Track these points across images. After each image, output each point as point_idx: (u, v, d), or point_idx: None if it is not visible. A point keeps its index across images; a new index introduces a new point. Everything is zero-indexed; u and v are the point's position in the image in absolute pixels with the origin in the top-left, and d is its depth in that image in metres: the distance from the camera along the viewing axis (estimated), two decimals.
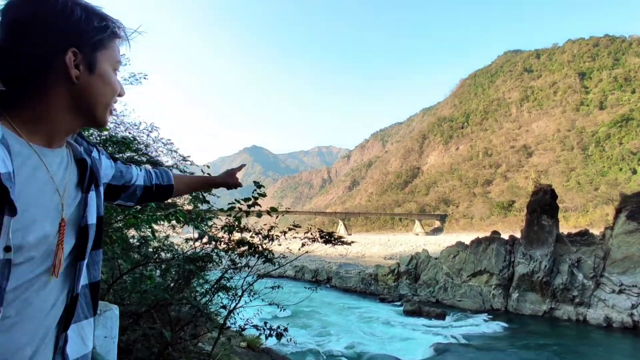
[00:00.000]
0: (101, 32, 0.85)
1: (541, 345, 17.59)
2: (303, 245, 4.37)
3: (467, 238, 32.60)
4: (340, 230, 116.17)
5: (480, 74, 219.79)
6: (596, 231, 26.81)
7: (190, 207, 4.84)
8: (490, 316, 22.75)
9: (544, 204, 25.44)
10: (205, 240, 3.66)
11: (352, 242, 5.04)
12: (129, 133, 8.48)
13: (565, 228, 30.65)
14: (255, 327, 4.09)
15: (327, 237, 4.43)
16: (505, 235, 28.38)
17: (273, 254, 4.03)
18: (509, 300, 24.26)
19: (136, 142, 7.84)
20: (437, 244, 59.63)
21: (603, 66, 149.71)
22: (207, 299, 3.83)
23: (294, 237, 4.33)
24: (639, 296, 20.15)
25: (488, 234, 29.02)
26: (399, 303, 26.54)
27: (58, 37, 0.79)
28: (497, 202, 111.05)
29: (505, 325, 20.88)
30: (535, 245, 24.47)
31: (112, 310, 1.66)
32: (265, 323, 4.12)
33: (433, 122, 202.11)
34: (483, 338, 18.67)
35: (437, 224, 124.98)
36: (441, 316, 22.50)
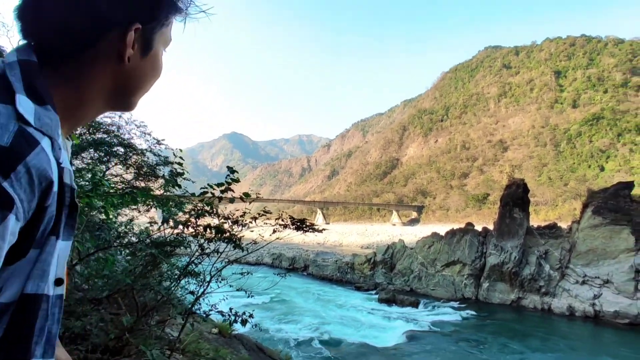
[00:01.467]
0: (172, 9, 0.71)
1: (508, 332, 18.31)
2: (274, 232, 4.31)
3: (442, 229, 33.31)
4: (319, 219, 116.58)
5: (461, 68, 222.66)
6: (564, 225, 27.83)
7: (161, 192, 4.70)
8: (462, 305, 23.46)
9: (516, 198, 26.20)
10: (172, 224, 3.55)
11: (324, 229, 5.02)
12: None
13: (535, 221, 31.72)
14: (220, 312, 4.03)
15: (298, 224, 4.39)
16: (479, 227, 29.14)
17: (240, 240, 3.95)
18: (480, 289, 25.05)
19: (105, 124, 7.55)
20: (414, 234, 60.79)
21: (578, 65, 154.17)
22: (173, 284, 3.73)
23: (265, 224, 4.26)
24: (601, 287, 21.17)
25: (463, 225, 29.72)
26: (374, 291, 26.98)
27: (124, 6, 0.64)
28: (472, 195, 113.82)
29: (475, 313, 21.59)
30: (506, 237, 25.26)
31: None
32: (231, 309, 4.06)
33: (413, 114, 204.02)
34: (453, 325, 19.26)
35: (414, 214, 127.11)
36: (414, 304, 23.04)
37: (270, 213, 4.33)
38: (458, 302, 24.09)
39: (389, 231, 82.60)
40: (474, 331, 18.54)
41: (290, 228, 4.37)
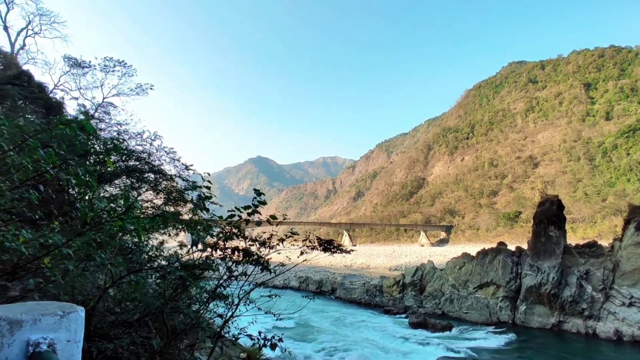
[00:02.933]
0: None
1: (549, 359, 17.20)
2: (302, 253, 4.29)
3: (473, 249, 32.24)
4: (345, 241, 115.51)
5: (484, 85, 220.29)
6: (605, 242, 26.39)
7: (190, 216, 4.79)
8: (498, 329, 22.33)
9: (550, 215, 25.13)
10: (200, 247, 3.59)
11: (352, 250, 4.95)
12: (132, 142, 8.52)
13: (573, 239, 30.21)
14: (250, 336, 3.98)
15: (325, 244, 4.35)
16: (512, 247, 28.00)
17: (268, 263, 3.94)
18: (516, 312, 23.83)
19: (137, 151, 7.86)
20: (443, 255, 59.09)
21: (609, 77, 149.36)
22: (201, 307, 3.73)
23: (293, 245, 4.24)
24: None
25: (494, 245, 28.66)
26: (404, 315, 26.17)
27: None
28: (503, 213, 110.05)
29: (513, 338, 20.47)
30: (542, 256, 24.11)
31: (77, 312, 1.57)
32: (260, 333, 4.01)
33: (438, 132, 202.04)
34: (489, 352, 18.31)
35: (443, 234, 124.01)
36: (447, 328, 22.14)
37: (297, 234, 4.33)
38: (494, 327, 22.95)
39: (417, 252, 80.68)
40: (514, 358, 17.54)
41: (317, 249, 4.33)
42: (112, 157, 7.22)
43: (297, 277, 41.58)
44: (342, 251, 4.57)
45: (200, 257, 3.87)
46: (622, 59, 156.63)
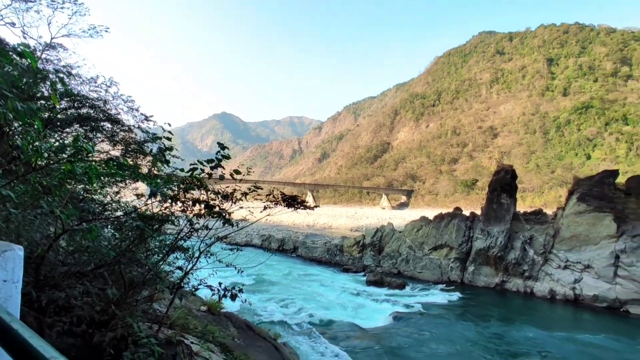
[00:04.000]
0: None
1: (491, 314, 18.80)
2: (265, 208, 4.24)
3: (431, 213, 33.69)
4: (309, 201, 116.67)
5: (454, 53, 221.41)
6: (549, 211, 28.35)
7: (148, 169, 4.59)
8: (447, 287, 23.96)
9: (504, 184, 26.51)
10: (159, 198, 3.46)
11: (316, 206, 4.97)
12: (85, 88, 7.90)
13: (521, 207, 32.21)
14: (209, 287, 3.98)
15: (289, 200, 4.32)
16: (466, 212, 29.52)
17: (230, 216, 3.88)
18: (465, 272, 25.56)
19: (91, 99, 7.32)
20: (403, 218, 61.39)
21: (570, 53, 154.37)
22: (161, 259, 3.66)
23: (256, 199, 4.17)
24: (582, 272, 21.76)
25: (451, 210, 30.10)
26: (362, 273, 27.35)
27: None
28: (461, 180, 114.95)
29: (460, 295, 22.08)
30: (493, 222, 25.65)
31: (14, 250, 1.44)
32: (220, 284, 4.01)
33: (405, 98, 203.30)
34: (439, 307, 19.69)
35: (404, 198, 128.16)
36: (402, 286, 23.46)
37: (262, 189, 4.26)
38: (444, 285, 24.59)
39: (378, 214, 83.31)
40: (459, 313, 19.00)
41: (281, 205, 4.30)
42: (62, 102, 6.69)
43: (259, 235, 41.99)
44: (305, 207, 4.56)
45: (160, 210, 3.75)
46: (584, 37, 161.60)
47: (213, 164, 3.62)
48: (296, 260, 32.76)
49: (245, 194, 4.05)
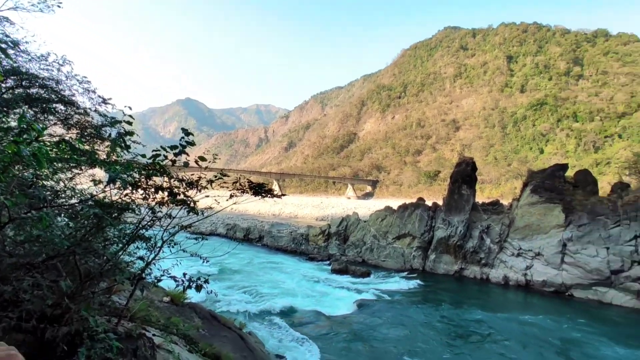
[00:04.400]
0: None
1: (450, 299, 19.63)
2: (231, 196, 4.11)
3: (395, 203, 34.47)
4: (275, 191, 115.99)
5: (420, 46, 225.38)
6: (505, 202, 29.80)
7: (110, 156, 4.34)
8: (410, 275, 24.73)
9: (465, 175, 27.52)
10: (118, 184, 3.27)
11: (283, 194, 4.92)
12: (35, 66, 7.33)
13: (480, 198, 33.62)
14: (173, 278, 3.83)
15: (256, 188, 4.21)
16: (429, 202, 30.45)
17: (195, 204, 3.73)
18: (427, 261, 26.46)
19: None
20: (367, 207, 62.44)
21: (528, 52, 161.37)
22: (120, 249, 3.48)
23: (222, 187, 4.02)
24: (533, 259, 23.12)
25: (414, 200, 30.90)
26: (327, 262, 27.66)
27: None
28: (424, 171, 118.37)
29: (421, 283, 22.87)
30: (454, 212, 26.63)
31: None
32: (185, 274, 3.87)
33: (372, 89, 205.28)
34: (401, 294, 20.31)
35: (369, 188, 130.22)
36: (366, 274, 23.95)
37: (228, 176, 4.13)
38: (406, 273, 25.35)
39: (344, 204, 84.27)
40: (419, 299, 19.70)
41: (248, 193, 4.18)
42: (7, 80, 6.20)
43: (224, 224, 41.37)
44: (273, 195, 4.48)
45: (120, 197, 3.56)
46: (541, 37, 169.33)
47: (177, 151, 3.48)
48: (262, 249, 32.60)
49: (211, 182, 3.90)
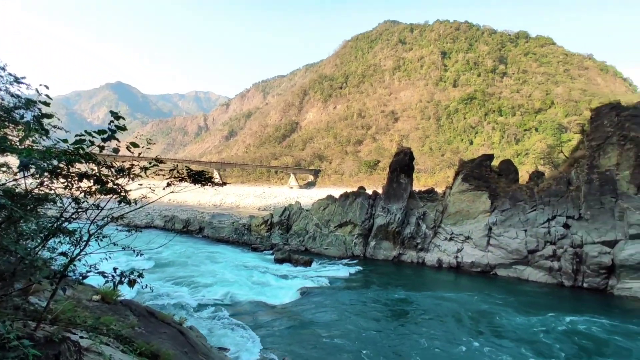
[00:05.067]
0: None
1: (388, 282, 20.52)
2: (169, 184, 3.82)
3: (337, 192, 35.11)
4: (215, 181, 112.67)
5: (361, 38, 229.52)
6: (439, 190, 31.62)
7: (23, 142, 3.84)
8: (351, 262, 25.43)
9: (403, 165, 28.71)
10: (33, 171, 2.89)
11: (225, 183, 4.71)
12: None
13: (416, 186, 35.38)
14: (102, 274, 3.46)
15: (196, 176, 3.96)
16: (369, 191, 31.37)
17: (127, 194, 3.42)
18: (367, 247, 27.37)
19: None
20: (310, 197, 63.00)
21: (460, 49, 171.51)
22: (38, 244, 3.09)
23: (157, 175, 3.71)
24: (463, 242, 24.88)
25: (355, 189, 31.65)
26: (270, 251, 27.52)
27: None
28: (365, 161, 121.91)
29: (362, 268, 23.64)
30: (392, 200, 27.74)
31: None
32: (115, 269, 3.53)
33: (315, 79, 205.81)
34: (343, 280, 20.84)
35: (311, 178, 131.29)
36: (309, 263, 24.20)
37: (164, 162, 3.82)
38: (348, 260, 26.04)
39: (286, 194, 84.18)
40: (360, 283, 20.37)
41: (187, 181, 3.91)
42: None
43: (161, 216, 39.41)
44: (213, 184, 4.25)
45: (38, 187, 3.16)
46: (472, 35, 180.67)
47: (105, 136, 3.16)
48: (202, 241, 31.57)
49: (144, 169, 3.59)
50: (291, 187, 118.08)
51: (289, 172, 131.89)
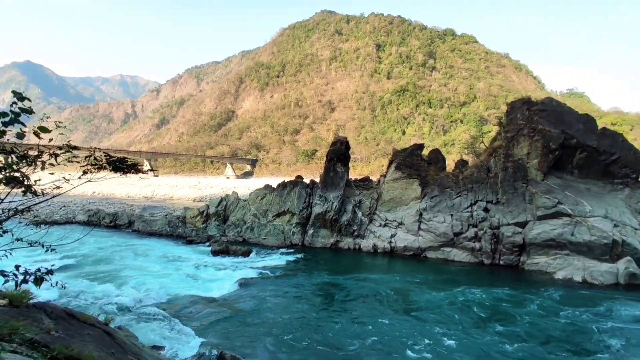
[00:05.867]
0: None
1: (326, 269, 21.01)
2: (85, 172, 3.42)
3: (274, 182, 34.92)
4: (143, 168, 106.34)
5: (299, 27, 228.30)
6: (374, 178, 32.81)
7: None
8: (289, 250, 25.58)
9: (339, 154, 29.32)
10: None
11: (150, 170, 4.42)
12: None
13: (352, 175, 36.31)
14: (1, 273, 3.04)
15: (117, 163, 3.61)
16: (307, 180, 31.64)
17: (34, 183, 3.04)
18: (306, 236, 27.70)
19: None
20: (247, 187, 61.94)
21: (393, 42, 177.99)
22: None
23: (71, 162, 3.32)
24: (396, 228, 26.18)
25: (293, 178, 31.72)
26: (207, 244, 26.73)
27: None
28: (302, 150, 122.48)
29: (300, 257, 23.92)
30: (330, 188, 28.27)
31: None
32: (17, 267, 3.12)
33: (251, 66, 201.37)
34: (281, 269, 20.91)
35: (248, 167, 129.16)
36: (247, 253, 23.91)
37: (78, 149, 3.45)
38: (287, 248, 26.15)
39: (223, 184, 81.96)
40: (299, 271, 20.61)
41: (107, 169, 3.56)
42: None
43: (85, 210, 36.34)
44: (138, 171, 3.91)
45: None
46: (404, 30, 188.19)
47: (7, 119, 2.80)
48: (132, 235, 29.72)
49: (54, 155, 3.18)
50: (228, 177, 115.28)
51: (226, 162, 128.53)
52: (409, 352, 11.38)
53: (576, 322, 13.93)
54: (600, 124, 27.73)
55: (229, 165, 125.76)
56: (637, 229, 21.02)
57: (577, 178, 23.78)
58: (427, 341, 12.10)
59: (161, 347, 10.95)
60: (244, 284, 17.96)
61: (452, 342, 12.07)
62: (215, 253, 23.90)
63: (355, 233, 26.96)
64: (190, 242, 27.39)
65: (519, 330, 13.10)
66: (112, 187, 64.65)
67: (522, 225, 22.49)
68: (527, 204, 22.69)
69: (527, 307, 15.48)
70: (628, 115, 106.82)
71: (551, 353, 11.44)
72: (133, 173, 3.82)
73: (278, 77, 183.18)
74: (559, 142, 23.19)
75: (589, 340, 12.45)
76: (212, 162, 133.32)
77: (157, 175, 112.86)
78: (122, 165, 3.64)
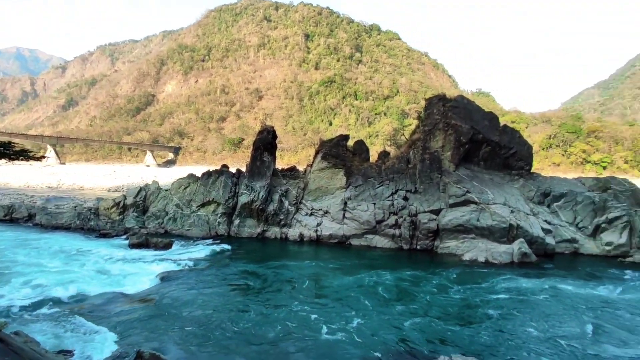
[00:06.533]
0: None
1: (253, 259, 20.99)
2: None
3: (199, 171, 33.65)
4: (50, 158, 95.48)
5: (226, 10, 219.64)
6: (301, 168, 33.27)
7: None
8: (215, 241, 25.01)
9: (266, 143, 29.19)
10: None
11: (44, 157, 4.07)
12: None
13: (279, 164, 36.42)
14: None
15: (1, 148, 3.26)
16: (233, 169, 31.03)
17: None
18: (232, 226, 27.28)
19: None
20: (169, 176, 58.90)
21: (322, 33, 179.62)
22: None
23: None
24: (322, 217, 26.95)
25: (218, 167, 30.90)
26: (124, 237, 25.06)
27: None
28: (229, 138, 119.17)
29: (226, 247, 23.53)
30: (256, 177, 28.08)
31: None
32: None
33: (174, 48, 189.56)
34: (206, 260, 20.42)
35: (171, 155, 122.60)
36: (169, 245, 22.88)
37: None
38: (212, 239, 25.53)
39: (142, 173, 76.85)
40: (225, 262, 20.31)
41: None
42: None
43: None
44: (28, 158, 3.55)
45: None
46: (332, 21, 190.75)
47: None
48: (33, 229, 26.72)
49: None
50: (148, 166, 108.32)
51: (145, 150, 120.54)
52: (321, 334, 11.96)
53: (467, 297, 15.72)
54: (502, 122, 31.19)
55: (149, 153, 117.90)
56: (528, 214, 24.18)
57: (482, 169, 26.60)
58: (336, 322, 12.81)
59: (69, 352, 10.17)
60: (166, 277, 17.25)
61: (358, 320, 12.96)
62: (133, 246, 22.53)
63: (282, 222, 27.21)
64: (104, 236, 25.44)
65: (416, 307, 14.44)
66: (6, 175, 57.08)
67: (437, 212, 24.56)
68: (441, 192, 24.80)
69: (427, 286, 16.99)
70: (524, 115, 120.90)
71: (440, 326, 12.81)
72: (22, 160, 3.47)
73: (203, 61, 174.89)
74: (468, 136, 25.64)
75: (475, 313, 14.18)
76: (129, 149, 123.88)
77: (63, 163, 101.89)
78: (7, 151, 3.28)
